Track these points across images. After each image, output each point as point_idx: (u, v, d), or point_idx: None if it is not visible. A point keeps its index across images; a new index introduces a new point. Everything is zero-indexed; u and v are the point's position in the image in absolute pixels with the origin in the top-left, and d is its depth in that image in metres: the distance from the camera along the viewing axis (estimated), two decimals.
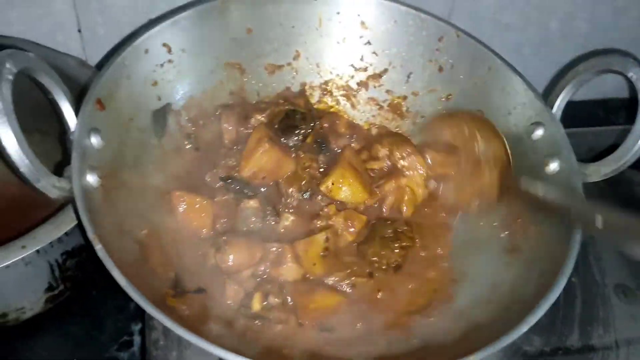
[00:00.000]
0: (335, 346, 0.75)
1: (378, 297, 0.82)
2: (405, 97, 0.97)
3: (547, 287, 0.68)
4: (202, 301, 0.75)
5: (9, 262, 0.77)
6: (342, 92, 1.00)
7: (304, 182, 0.88)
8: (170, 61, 0.87)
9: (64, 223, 0.81)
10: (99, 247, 0.64)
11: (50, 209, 0.84)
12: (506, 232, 0.83)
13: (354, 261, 0.85)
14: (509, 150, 0.86)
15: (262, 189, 0.88)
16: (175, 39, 0.87)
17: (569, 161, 0.80)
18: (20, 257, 0.78)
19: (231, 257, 0.78)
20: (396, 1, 0.93)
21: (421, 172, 0.89)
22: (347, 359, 0.73)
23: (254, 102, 0.96)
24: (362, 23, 0.95)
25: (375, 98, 0.99)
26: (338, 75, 0.99)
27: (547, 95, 0.86)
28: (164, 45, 0.86)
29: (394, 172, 0.90)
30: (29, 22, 0.98)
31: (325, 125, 0.95)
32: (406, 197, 0.89)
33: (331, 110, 1.01)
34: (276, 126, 0.90)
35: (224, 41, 0.92)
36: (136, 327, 0.91)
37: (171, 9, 0.94)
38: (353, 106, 1.01)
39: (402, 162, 0.90)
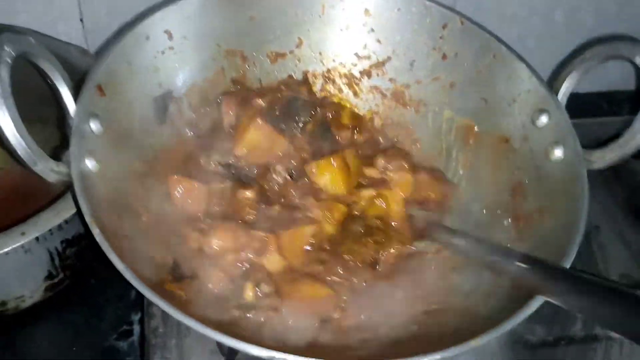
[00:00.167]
0: (333, 334, 0.75)
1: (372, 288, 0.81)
2: (408, 86, 0.97)
3: None
4: (197, 287, 0.75)
5: (8, 249, 0.78)
6: (344, 81, 0.99)
7: (294, 161, 0.87)
8: (171, 48, 0.87)
9: (64, 210, 0.81)
10: (96, 232, 0.63)
11: (51, 197, 0.84)
12: (509, 220, 0.83)
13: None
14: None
15: (255, 171, 0.87)
16: (176, 26, 0.86)
17: (574, 148, 0.79)
18: (19, 243, 0.78)
19: (215, 241, 0.78)
20: None
21: (403, 192, 0.89)
22: (347, 347, 0.72)
23: (256, 90, 0.95)
24: (366, 10, 0.94)
25: (378, 86, 0.99)
26: (341, 63, 0.98)
27: (552, 83, 0.85)
28: (165, 31, 0.85)
29: (380, 183, 0.90)
30: (32, 11, 0.98)
31: (329, 114, 0.94)
32: (379, 204, 0.88)
33: (333, 98, 1.00)
34: (277, 113, 0.89)
35: (226, 28, 0.91)
36: (136, 317, 0.91)
37: None
38: (356, 94, 1.00)
39: (391, 174, 0.89)
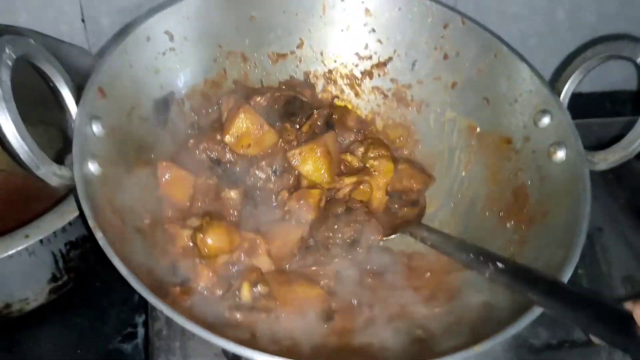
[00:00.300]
0: (339, 337, 0.75)
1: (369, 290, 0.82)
2: (410, 86, 0.96)
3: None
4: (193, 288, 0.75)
5: (13, 252, 0.78)
6: (346, 81, 0.99)
7: (278, 157, 0.87)
8: (172, 49, 0.87)
9: (68, 213, 0.81)
10: (99, 236, 0.63)
11: (55, 200, 0.84)
12: (512, 222, 0.82)
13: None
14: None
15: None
16: (177, 27, 0.86)
17: (576, 149, 0.78)
18: (23, 246, 0.78)
19: (210, 240, 0.77)
20: None
21: (386, 179, 0.90)
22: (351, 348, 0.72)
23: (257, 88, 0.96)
24: (367, 10, 0.94)
25: (379, 87, 0.98)
26: (342, 63, 0.98)
27: (554, 83, 0.85)
28: (166, 32, 0.85)
29: (362, 170, 0.90)
30: (34, 12, 0.98)
31: (335, 116, 0.94)
32: (362, 188, 0.88)
33: (335, 100, 1.00)
34: (275, 111, 0.89)
35: (226, 29, 0.91)
36: (140, 319, 0.91)
37: None
38: (357, 95, 1.00)
39: (373, 162, 0.90)
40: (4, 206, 0.96)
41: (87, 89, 0.74)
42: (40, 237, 0.79)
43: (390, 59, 0.96)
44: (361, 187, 0.88)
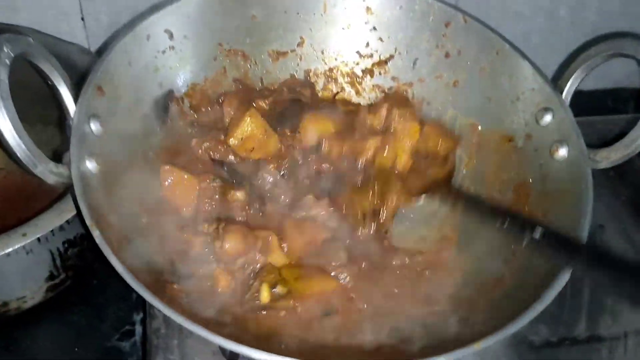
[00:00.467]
0: (338, 334, 0.75)
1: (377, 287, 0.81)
2: (411, 84, 0.96)
3: (554, 274, 0.67)
4: (200, 290, 0.74)
5: (10, 250, 0.77)
6: (347, 79, 0.99)
7: (285, 161, 0.87)
8: (172, 47, 0.86)
9: (66, 211, 0.81)
10: (96, 234, 0.63)
11: (53, 198, 0.84)
12: None
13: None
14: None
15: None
16: (177, 25, 0.86)
17: (578, 147, 0.78)
18: (21, 244, 0.78)
19: (227, 245, 0.77)
20: None
21: (411, 140, 0.86)
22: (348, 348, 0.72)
23: (258, 89, 0.95)
24: (368, 8, 0.94)
25: (380, 85, 0.98)
26: (343, 62, 0.98)
27: (557, 81, 0.84)
28: (166, 31, 0.85)
29: (385, 132, 0.87)
30: (34, 10, 0.98)
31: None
32: (385, 154, 0.86)
33: (336, 97, 0.99)
34: (277, 114, 0.89)
35: (227, 27, 0.91)
36: (138, 317, 0.90)
37: None
38: (358, 93, 0.99)
39: (396, 124, 0.87)
40: (2, 205, 0.96)
41: (85, 87, 0.74)
42: (38, 236, 0.78)
43: (391, 57, 0.96)
44: (385, 152, 0.86)
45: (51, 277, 0.85)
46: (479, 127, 0.91)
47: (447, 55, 0.93)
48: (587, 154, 0.78)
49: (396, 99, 0.91)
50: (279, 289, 0.76)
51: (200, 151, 0.87)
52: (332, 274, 0.81)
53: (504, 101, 0.88)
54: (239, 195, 0.83)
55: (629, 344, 0.86)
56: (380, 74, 0.98)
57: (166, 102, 0.86)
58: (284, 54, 0.96)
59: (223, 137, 0.87)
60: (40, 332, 0.88)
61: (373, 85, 0.98)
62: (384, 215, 0.84)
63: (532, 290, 0.67)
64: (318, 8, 0.93)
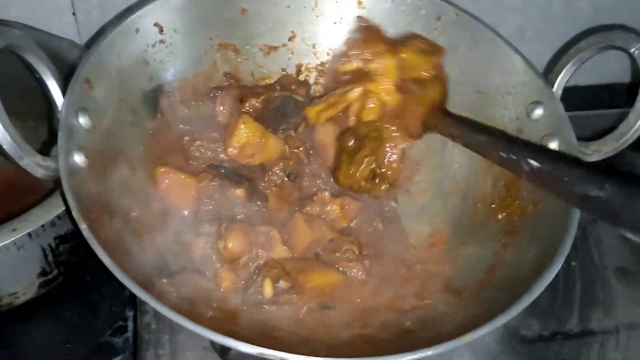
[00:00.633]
0: (330, 327, 0.75)
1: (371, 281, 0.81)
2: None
3: (544, 267, 0.66)
4: (191, 284, 0.74)
5: (0, 245, 0.77)
6: None
7: (291, 162, 0.87)
8: (162, 41, 0.86)
9: (56, 207, 0.81)
10: (83, 227, 0.63)
11: (44, 194, 0.84)
12: (504, 214, 0.82)
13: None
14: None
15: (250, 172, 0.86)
16: (167, 19, 0.85)
17: (569, 140, 0.78)
18: (11, 239, 0.77)
19: (231, 244, 0.77)
20: None
21: (390, 77, 0.82)
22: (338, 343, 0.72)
23: (249, 84, 0.95)
24: (359, 2, 0.93)
25: None
26: (335, 56, 0.97)
27: (548, 74, 0.84)
28: (155, 24, 0.85)
29: (362, 76, 0.84)
30: (24, 5, 0.97)
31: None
32: (371, 105, 0.83)
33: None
34: (270, 113, 0.89)
35: (217, 21, 0.90)
36: (130, 313, 0.90)
37: None
38: None
39: (369, 65, 0.83)
40: None
41: (73, 80, 0.73)
42: (28, 231, 0.78)
43: None
44: (369, 104, 0.83)
45: (43, 273, 0.85)
46: None
47: None
48: (578, 147, 0.78)
49: (366, 37, 0.86)
50: (282, 284, 0.76)
51: (192, 149, 0.86)
52: (341, 269, 0.81)
53: (495, 95, 0.87)
54: (239, 192, 0.83)
55: (621, 338, 0.86)
56: None
57: (156, 96, 0.86)
58: (275, 48, 0.95)
59: (214, 133, 0.87)
60: (33, 328, 0.87)
61: None
62: (387, 170, 0.83)
63: (523, 284, 0.67)
64: (309, 1, 0.93)
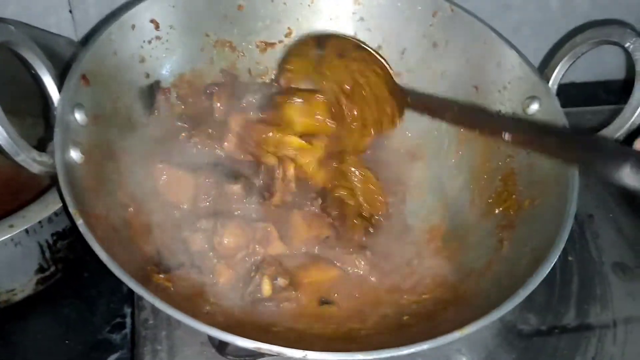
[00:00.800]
0: (328, 322, 0.75)
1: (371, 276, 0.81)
2: (399, 74, 0.95)
3: (540, 261, 0.67)
4: (188, 280, 0.74)
5: None
6: None
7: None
8: (158, 38, 0.86)
9: (53, 203, 0.81)
10: (80, 222, 0.63)
11: (40, 190, 0.84)
12: (500, 209, 0.82)
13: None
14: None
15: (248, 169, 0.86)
16: (163, 15, 0.86)
17: None
18: (8, 236, 0.77)
19: (226, 240, 0.77)
20: None
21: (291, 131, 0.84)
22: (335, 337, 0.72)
23: (247, 81, 0.95)
24: None
25: None
26: None
27: (544, 69, 0.84)
28: (152, 21, 0.85)
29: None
30: (21, 3, 0.97)
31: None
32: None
33: None
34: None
35: (214, 18, 0.91)
36: (128, 310, 0.90)
37: None
38: None
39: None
40: None
41: (69, 76, 0.73)
42: (25, 227, 0.78)
43: (379, 47, 0.95)
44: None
45: (41, 269, 0.85)
46: None
47: (434, 45, 0.92)
48: None
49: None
50: (280, 281, 0.76)
51: (189, 145, 0.86)
52: (339, 264, 0.81)
53: (491, 90, 0.87)
54: (236, 188, 0.83)
55: (618, 332, 0.86)
56: None
57: (153, 92, 0.86)
58: (272, 44, 0.95)
59: (210, 130, 0.87)
60: (31, 325, 0.87)
61: None
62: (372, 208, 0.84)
63: (519, 278, 0.67)
64: None
